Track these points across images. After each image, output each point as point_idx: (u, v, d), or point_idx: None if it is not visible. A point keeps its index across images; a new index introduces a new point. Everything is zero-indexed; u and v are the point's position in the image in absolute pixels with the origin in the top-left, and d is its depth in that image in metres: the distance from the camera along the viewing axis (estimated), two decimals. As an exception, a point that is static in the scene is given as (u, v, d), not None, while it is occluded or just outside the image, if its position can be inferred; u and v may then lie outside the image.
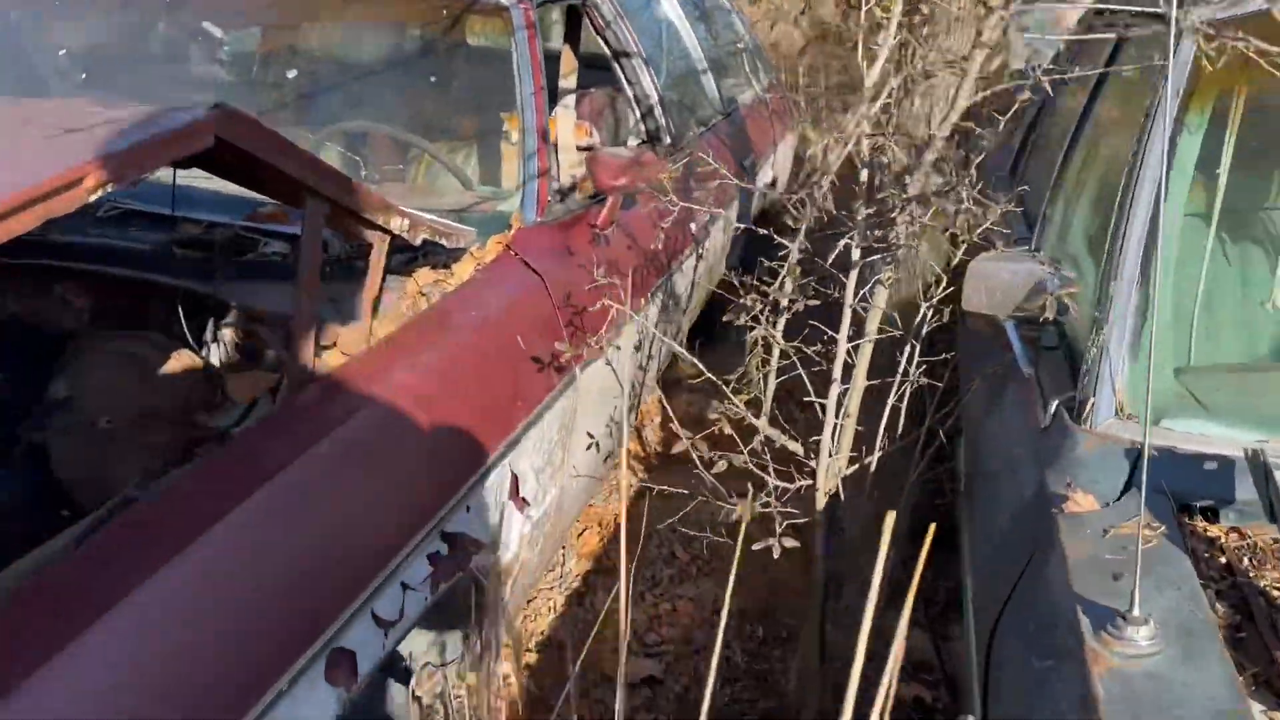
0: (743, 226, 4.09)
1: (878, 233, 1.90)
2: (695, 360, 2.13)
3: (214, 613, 1.27)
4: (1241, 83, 1.97)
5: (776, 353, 2.00)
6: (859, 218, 1.84)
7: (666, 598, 2.82)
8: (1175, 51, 1.83)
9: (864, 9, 1.79)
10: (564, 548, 2.99)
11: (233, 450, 1.55)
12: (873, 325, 2.00)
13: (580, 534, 3.07)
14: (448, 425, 1.76)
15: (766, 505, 1.92)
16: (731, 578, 1.11)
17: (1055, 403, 1.69)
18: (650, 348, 2.97)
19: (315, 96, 2.84)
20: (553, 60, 3.09)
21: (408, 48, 2.88)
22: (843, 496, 2.05)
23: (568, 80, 3.59)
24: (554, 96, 3.50)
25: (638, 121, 3.40)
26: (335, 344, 1.84)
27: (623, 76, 3.37)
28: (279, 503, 1.44)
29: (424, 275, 2.17)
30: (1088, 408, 1.61)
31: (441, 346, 1.86)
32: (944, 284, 2.00)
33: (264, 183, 1.63)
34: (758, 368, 1.97)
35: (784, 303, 1.95)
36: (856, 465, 2.06)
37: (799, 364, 2.02)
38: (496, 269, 2.22)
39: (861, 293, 1.95)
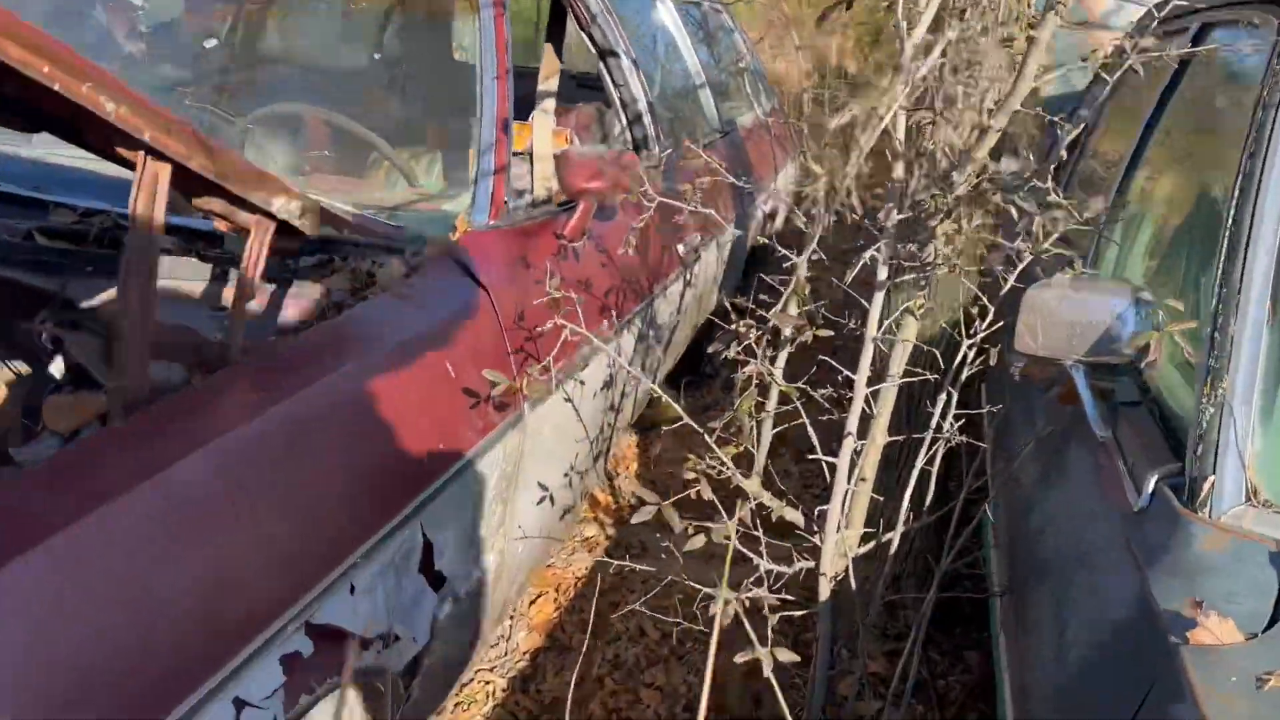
0: (745, 244, 3.66)
1: (910, 246, 1.45)
2: (672, 400, 1.67)
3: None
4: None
5: (774, 395, 1.55)
6: (888, 224, 1.39)
7: (629, 685, 2.33)
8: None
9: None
10: (510, 619, 2.50)
11: (9, 498, 1.08)
12: (898, 365, 1.54)
13: (533, 601, 2.59)
14: (329, 474, 1.30)
15: (755, 593, 1.45)
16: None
17: (1153, 478, 1.23)
18: (625, 384, 2.51)
19: (244, 73, 2.40)
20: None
21: (355, 21, 2.45)
22: (853, 583, 1.58)
23: (549, 83, 3.17)
24: (534, 101, 3.10)
25: (623, 130, 2.97)
26: (194, 361, 1.39)
27: (608, 77, 2.95)
28: (54, 582, 0.96)
29: (337, 282, 1.72)
30: (1205, 489, 1.15)
31: (335, 369, 1.40)
32: (989, 316, 1.55)
33: (87, 133, 1.18)
34: (749, 413, 1.51)
35: (786, 332, 1.50)
36: (872, 544, 1.59)
37: (802, 410, 1.56)
38: (430, 278, 1.76)
39: (886, 323, 1.50)
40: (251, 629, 1.11)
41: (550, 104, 3.15)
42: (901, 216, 1.40)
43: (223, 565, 1.09)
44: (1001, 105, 1.37)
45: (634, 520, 1.33)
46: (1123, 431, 1.41)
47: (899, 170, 1.37)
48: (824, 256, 1.42)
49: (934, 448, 1.57)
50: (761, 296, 1.48)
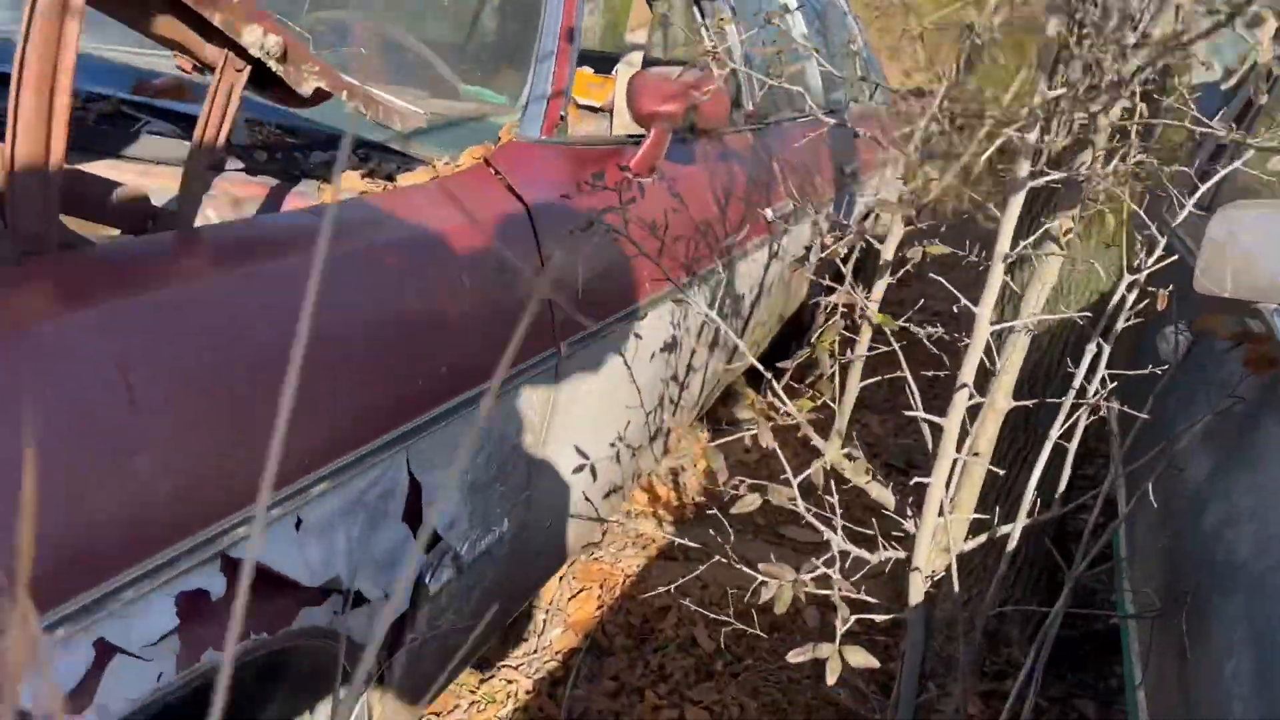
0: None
1: (1061, 139, 1.09)
2: (743, 344, 1.34)
3: None
4: None
5: (866, 335, 1.20)
6: (1034, 101, 1.04)
7: (673, 700, 1.98)
8: None
9: None
10: (545, 612, 2.19)
11: None
12: (1035, 302, 1.19)
13: (573, 596, 2.27)
14: (283, 374, 1.01)
15: (825, 581, 1.11)
16: None
17: None
18: (692, 355, 2.18)
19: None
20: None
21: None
22: (955, 584, 1.21)
23: (637, 35, 2.91)
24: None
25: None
26: (143, 230, 1.13)
27: (700, 17, 2.65)
28: None
29: (349, 180, 1.45)
30: None
31: (311, 250, 1.11)
32: (1157, 250, 1.18)
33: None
34: (832, 353, 1.17)
35: (888, 250, 1.16)
36: (983, 537, 1.23)
37: (901, 357, 1.21)
38: (459, 184, 1.48)
39: (1022, 245, 1.15)
40: (130, 550, 0.82)
41: (637, 57, 2.87)
42: (1055, 94, 1.04)
43: (97, 459, 0.81)
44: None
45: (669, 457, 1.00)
46: (1349, 400, 1.03)
47: (1053, 26, 1.02)
48: (947, 135, 1.07)
49: (1074, 416, 1.20)
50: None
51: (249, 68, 1.10)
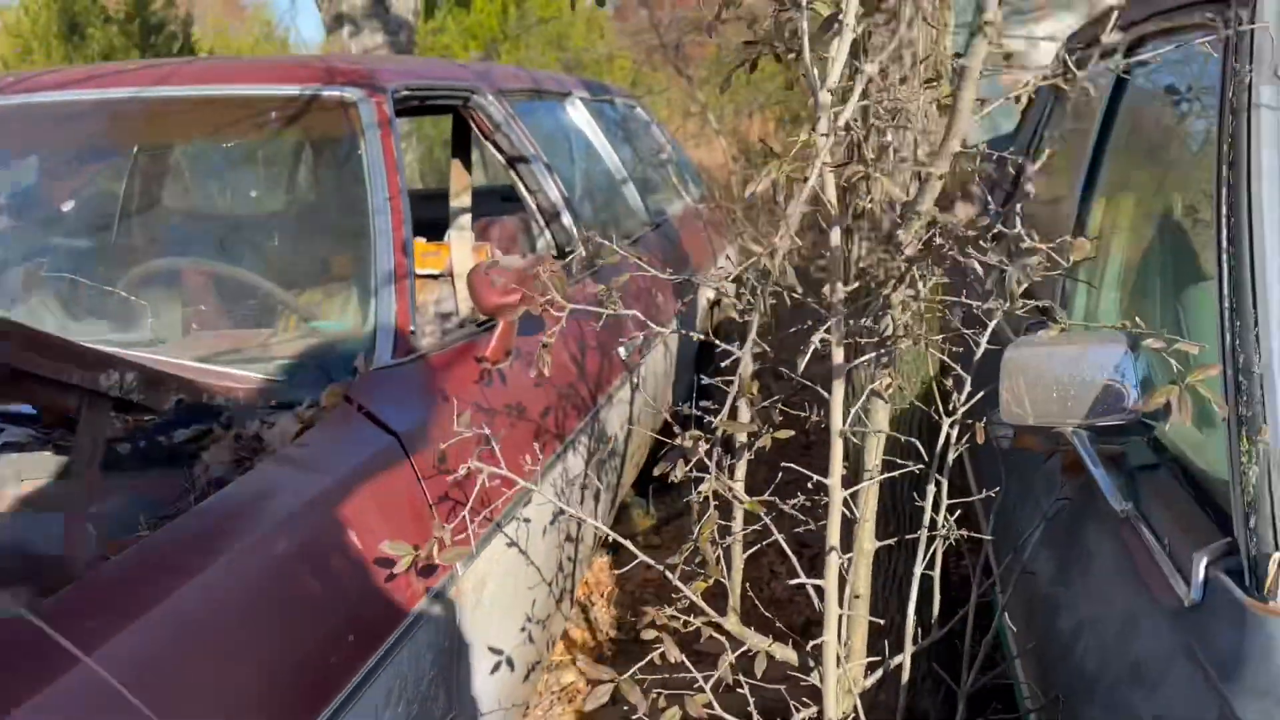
0: (691, 338, 3.43)
1: (865, 321, 1.24)
2: (620, 539, 1.42)
3: None
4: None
5: (740, 515, 1.31)
6: (835, 299, 1.18)
7: None
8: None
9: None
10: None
11: None
12: (874, 457, 1.32)
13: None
14: (201, 704, 1.03)
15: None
16: None
17: (1203, 562, 1.00)
18: (583, 503, 2.26)
19: (116, 231, 2.19)
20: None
21: (232, 156, 2.25)
22: (864, 723, 1.31)
23: (461, 200, 3.00)
24: (447, 221, 2.92)
25: (540, 233, 2.79)
26: (32, 583, 1.13)
27: (520, 183, 2.78)
28: None
29: (217, 454, 1.48)
30: (1273, 570, 0.92)
31: (202, 570, 1.14)
32: (966, 387, 1.34)
33: None
34: (712, 540, 1.27)
35: (741, 438, 1.27)
36: (879, 673, 1.34)
37: (773, 527, 1.32)
38: (328, 433, 1.52)
39: (853, 411, 1.28)
40: None
41: (465, 220, 2.97)
42: (849, 289, 1.19)
43: None
44: (941, 148, 1.18)
45: (588, 708, 1.07)
46: (1147, 503, 1.19)
47: (836, 236, 1.16)
48: (767, 349, 1.20)
49: (931, 548, 1.33)
50: (704, 403, 1.26)
51: (109, 405, 1.13)
